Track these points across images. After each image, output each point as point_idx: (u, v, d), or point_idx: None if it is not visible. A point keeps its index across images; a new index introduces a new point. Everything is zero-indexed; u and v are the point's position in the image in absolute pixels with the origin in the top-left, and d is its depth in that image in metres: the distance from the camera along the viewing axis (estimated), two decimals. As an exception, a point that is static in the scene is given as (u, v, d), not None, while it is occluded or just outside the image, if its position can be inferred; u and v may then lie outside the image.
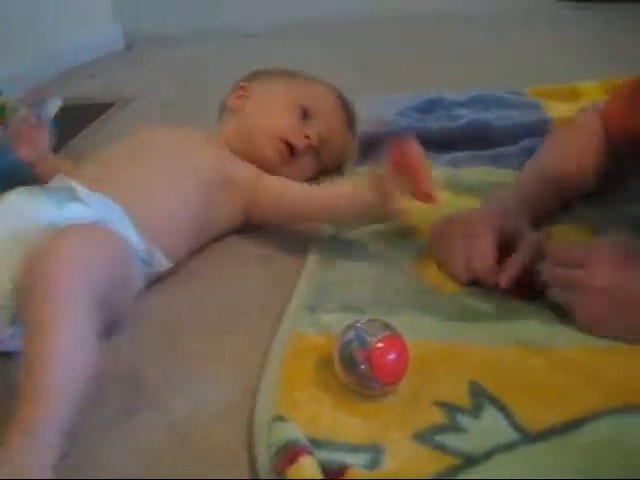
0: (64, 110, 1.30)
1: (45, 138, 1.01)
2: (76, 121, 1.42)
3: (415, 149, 0.77)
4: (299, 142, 0.98)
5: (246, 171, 0.94)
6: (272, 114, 0.99)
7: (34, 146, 0.98)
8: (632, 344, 0.68)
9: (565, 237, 0.87)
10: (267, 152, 0.98)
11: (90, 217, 0.77)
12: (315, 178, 1.05)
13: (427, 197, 0.78)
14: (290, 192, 0.91)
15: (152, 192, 0.86)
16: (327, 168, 1.07)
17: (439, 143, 1.13)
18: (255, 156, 0.97)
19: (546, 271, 0.74)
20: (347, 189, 0.86)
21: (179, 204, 0.87)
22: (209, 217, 0.91)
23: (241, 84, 1.07)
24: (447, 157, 1.10)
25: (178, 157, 0.91)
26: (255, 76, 1.08)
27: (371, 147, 1.12)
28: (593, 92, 1.29)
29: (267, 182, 0.93)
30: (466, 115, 1.20)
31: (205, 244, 0.93)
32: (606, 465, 0.55)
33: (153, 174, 0.88)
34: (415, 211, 0.84)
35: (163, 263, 0.83)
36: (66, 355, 0.59)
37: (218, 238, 0.95)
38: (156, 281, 0.85)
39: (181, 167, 0.90)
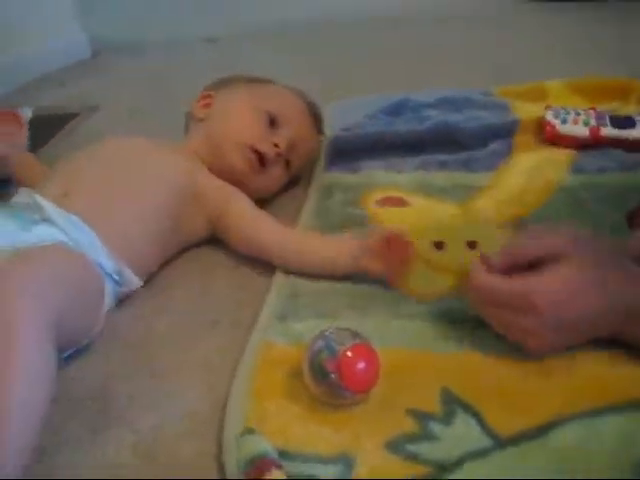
0: (33, 120, 1.28)
1: (23, 135, 0.97)
2: (44, 130, 1.39)
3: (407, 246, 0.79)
4: (268, 151, 0.96)
5: (215, 184, 0.93)
6: (239, 122, 0.97)
7: (10, 141, 0.95)
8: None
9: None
10: (236, 161, 0.96)
11: (57, 239, 0.75)
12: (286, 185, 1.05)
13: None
14: (263, 236, 0.87)
15: (120, 208, 0.84)
16: (297, 175, 1.07)
17: (409, 145, 1.12)
18: (224, 165, 0.96)
19: (474, 306, 0.70)
20: (328, 251, 0.84)
21: (147, 218, 0.85)
22: (177, 229, 0.89)
23: (206, 92, 1.05)
24: (417, 160, 1.09)
25: (147, 170, 0.90)
26: (220, 84, 1.07)
27: (340, 153, 1.12)
28: (559, 92, 1.30)
29: (238, 210, 0.91)
30: (434, 117, 1.20)
31: (172, 256, 0.91)
32: (574, 470, 0.55)
33: (121, 188, 0.86)
34: (387, 216, 0.84)
35: (134, 281, 0.82)
36: (23, 386, 0.57)
37: (184, 248, 0.93)
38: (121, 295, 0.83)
39: (150, 180, 0.88)
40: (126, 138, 0.97)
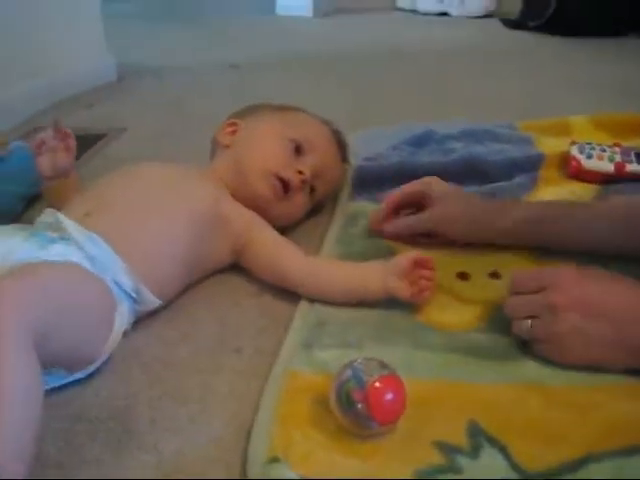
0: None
1: (70, 155, 0.92)
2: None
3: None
4: (292, 178, 0.97)
5: (239, 211, 0.93)
6: (264, 150, 0.98)
7: (56, 160, 0.91)
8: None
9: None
10: (260, 188, 0.96)
11: (73, 257, 0.75)
12: (310, 213, 1.05)
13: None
14: (286, 263, 0.88)
15: (143, 230, 0.84)
16: (321, 202, 1.08)
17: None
18: (248, 192, 0.96)
19: (507, 303, 0.74)
20: (354, 277, 0.85)
21: (170, 242, 0.85)
22: (200, 254, 0.89)
23: (232, 120, 1.06)
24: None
25: (172, 194, 0.90)
26: (246, 111, 1.07)
27: (364, 183, 1.13)
28: (582, 127, 1.31)
29: (261, 238, 0.91)
30: (459, 149, 1.21)
31: (194, 282, 0.91)
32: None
33: (145, 211, 0.86)
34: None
35: (152, 301, 0.82)
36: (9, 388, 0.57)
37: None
38: (143, 319, 0.83)
39: (175, 204, 0.88)
40: (155, 162, 0.98)
